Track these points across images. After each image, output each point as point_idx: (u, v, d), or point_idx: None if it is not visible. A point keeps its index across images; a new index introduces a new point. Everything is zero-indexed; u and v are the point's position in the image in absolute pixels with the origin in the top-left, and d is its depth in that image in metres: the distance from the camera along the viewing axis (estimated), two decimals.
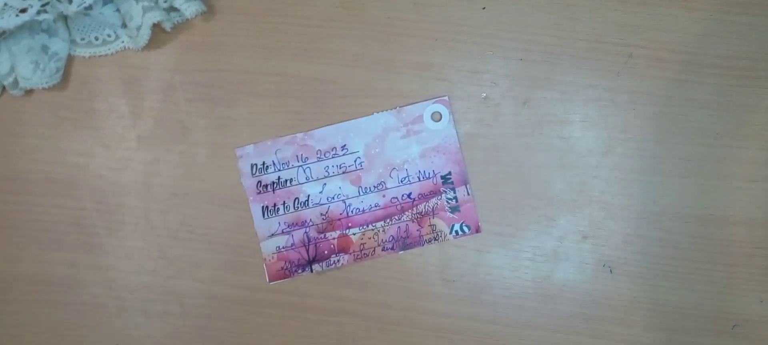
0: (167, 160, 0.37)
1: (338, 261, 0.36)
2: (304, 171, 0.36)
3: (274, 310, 0.37)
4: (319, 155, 0.36)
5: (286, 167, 0.36)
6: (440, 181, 0.36)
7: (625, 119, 0.35)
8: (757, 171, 0.35)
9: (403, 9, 0.35)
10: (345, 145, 0.36)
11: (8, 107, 0.37)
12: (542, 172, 0.35)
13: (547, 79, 0.35)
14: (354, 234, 0.36)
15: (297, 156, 0.36)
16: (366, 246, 0.36)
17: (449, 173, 0.36)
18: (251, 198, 0.36)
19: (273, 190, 0.36)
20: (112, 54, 0.36)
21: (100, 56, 0.36)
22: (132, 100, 0.37)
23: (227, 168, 0.36)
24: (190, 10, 0.33)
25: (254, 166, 0.36)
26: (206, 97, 0.36)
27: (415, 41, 0.35)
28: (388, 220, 0.36)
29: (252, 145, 0.36)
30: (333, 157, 0.36)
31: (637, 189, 0.35)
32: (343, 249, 0.36)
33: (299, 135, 0.36)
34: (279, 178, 0.36)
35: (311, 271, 0.36)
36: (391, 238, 0.36)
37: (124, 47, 0.36)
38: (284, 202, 0.36)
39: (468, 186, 0.36)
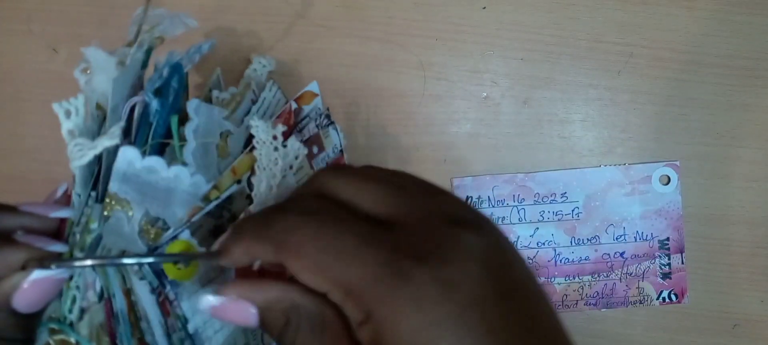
0: None
1: None
2: (519, 212, 0.35)
3: None
4: (536, 198, 0.35)
5: (500, 205, 0.35)
6: (657, 245, 0.35)
7: (625, 119, 0.35)
8: (757, 171, 0.35)
9: (403, 9, 0.35)
10: (565, 192, 0.35)
11: (9, 107, 0.37)
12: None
13: (547, 78, 0.35)
14: (559, 284, 0.35)
15: (514, 196, 0.35)
16: (569, 298, 0.35)
17: (667, 239, 0.35)
18: None
19: None
20: None
21: None
22: None
23: None
24: None
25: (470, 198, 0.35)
26: None
27: (416, 41, 0.35)
28: (595, 275, 0.35)
29: (470, 177, 0.35)
30: (550, 203, 0.35)
31: None
32: None
33: (520, 175, 0.35)
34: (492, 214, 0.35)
35: None
36: (595, 293, 0.35)
37: None
38: None
39: (684, 255, 0.35)
